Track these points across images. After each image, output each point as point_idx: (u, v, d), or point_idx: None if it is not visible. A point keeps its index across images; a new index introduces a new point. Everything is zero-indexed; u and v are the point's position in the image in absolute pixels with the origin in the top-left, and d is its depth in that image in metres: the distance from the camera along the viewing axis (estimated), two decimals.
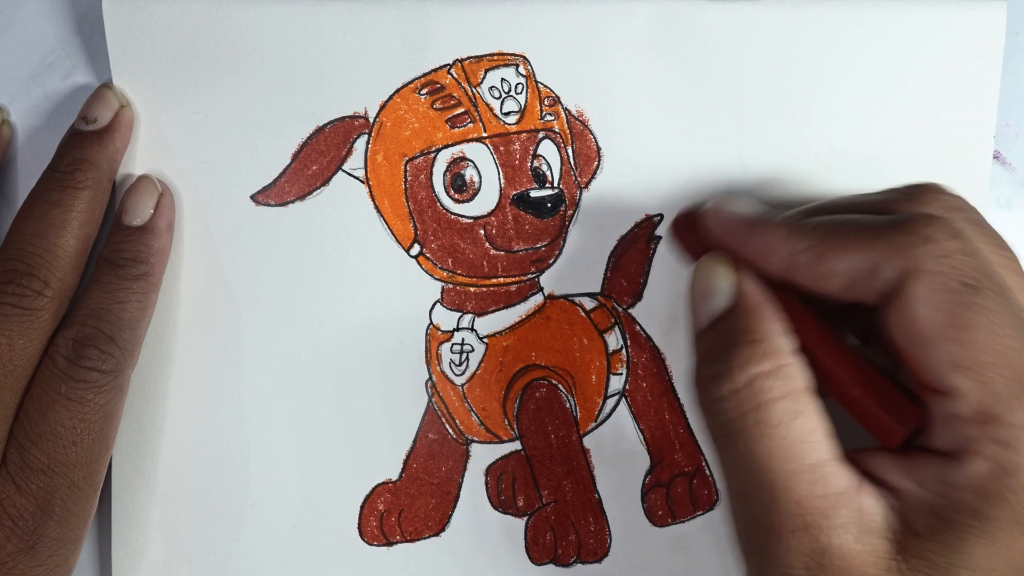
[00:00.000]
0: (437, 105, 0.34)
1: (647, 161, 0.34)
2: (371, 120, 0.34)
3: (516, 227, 0.34)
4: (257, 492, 0.34)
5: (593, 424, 0.35)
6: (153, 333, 0.34)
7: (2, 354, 0.29)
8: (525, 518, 0.35)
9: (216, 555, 0.34)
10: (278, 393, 0.34)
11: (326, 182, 0.34)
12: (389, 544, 0.35)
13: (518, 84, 0.34)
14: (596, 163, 0.34)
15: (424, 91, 0.34)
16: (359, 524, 0.35)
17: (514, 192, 0.34)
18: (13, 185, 0.35)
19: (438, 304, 0.34)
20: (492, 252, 0.34)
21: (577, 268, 0.34)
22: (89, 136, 0.32)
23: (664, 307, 0.35)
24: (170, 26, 0.33)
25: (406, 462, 0.35)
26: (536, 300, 0.35)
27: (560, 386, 0.35)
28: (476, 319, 0.34)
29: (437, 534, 0.35)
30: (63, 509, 0.30)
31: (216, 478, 0.34)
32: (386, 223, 0.34)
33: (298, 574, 0.34)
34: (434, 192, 0.34)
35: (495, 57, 0.34)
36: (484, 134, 0.34)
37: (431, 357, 0.35)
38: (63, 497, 0.30)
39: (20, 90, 0.35)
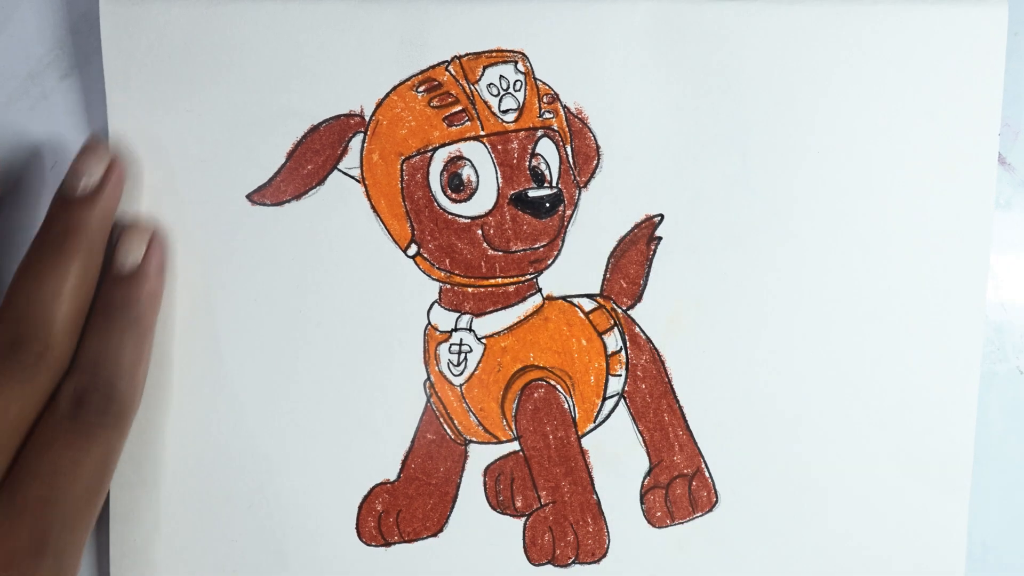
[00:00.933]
0: (434, 103, 0.33)
1: (647, 160, 0.34)
2: (367, 118, 0.33)
3: (514, 227, 0.34)
4: (255, 493, 0.34)
5: (592, 425, 0.35)
6: (148, 337, 0.34)
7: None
8: (523, 519, 0.35)
9: (214, 555, 0.34)
10: (275, 393, 0.34)
11: (322, 181, 0.33)
12: (387, 545, 0.35)
13: (516, 81, 0.33)
14: (595, 162, 0.34)
15: (421, 88, 0.33)
16: (357, 525, 0.34)
17: (512, 192, 0.33)
18: (10, 186, 0.35)
19: (436, 304, 0.34)
20: (490, 252, 0.34)
21: (576, 269, 0.34)
22: (79, 200, 0.32)
23: (664, 309, 0.34)
24: (166, 23, 0.33)
25: (404, 462, 0.34)
26: (535, 301, 0.34)
27: (559, 387, 0.34)
28: (474, 319, 0.34)
29: (435, 535, 0.35)
30: (57, 545, 0.29)
31: (214, 478, 0.34)
32: (383, 223, 0.34)
33: (295, 574, 0.34)
34: (431, 191, 0.33)
35: (494, 54, 0.33)
36: (482, 132, 0.33)
37: (429, 357, 0.34)
38: (58, 532, 0.29)
39: (18, 90, 0.35)
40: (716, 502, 0.35)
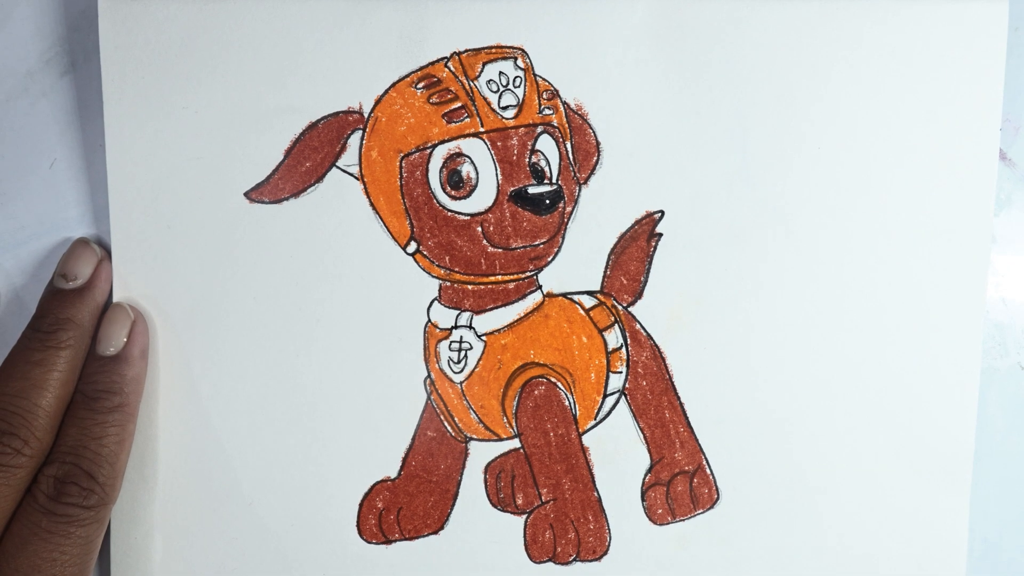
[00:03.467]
0: (433, 99, 0.33)
1: (647, 156, 0.34)
2: (365, 115, 0.33)
3: (514, 224, 0.33)
4: (255, 490, 0.34)
5: (592, 422, 0.35)
6: (151, 332, 0.34)
7: None
8: (524, 516, 0.35)
9: (214, 553, 0.34)
10: (276, 391, 0.34)
11: (320, 179, 0.33)
12: (388, 542, 0.35)
13: (516, 77, 0.33)
14: (595, 158, 0.34)
15: (420, 85, 0.33)
16: (358, 522, 0.34)
17: (512, 188, 0.33)
18: (8, 180, 0.35)
19: (436, 302, 0.34)
20: (490, 250, 0.34)
21: (576, 266, 0.34)
22: (70, 295, 0.32)
23: (665, 305, 0.34)
24: (164, 20, 0.33)
25: (405, 460, 0.34)
26: (535, 298, 0.34)
27: (559, 384, 0.34)
28: (474, 317, 0.34)
29: (436, 532, 0.35)
30: None
31: (214, 476, 0.34)
32: (382, 220, 0.34)
33: (296, 572, 0.34)
34: (430, 189, 0.33)
35: (493, 50, 0.33)
36: (481, 129, 0.33)
37: (429, 355, 0.34)
38: None
39: (18, 87, 0.35)
40: (717, 499, 0.35)
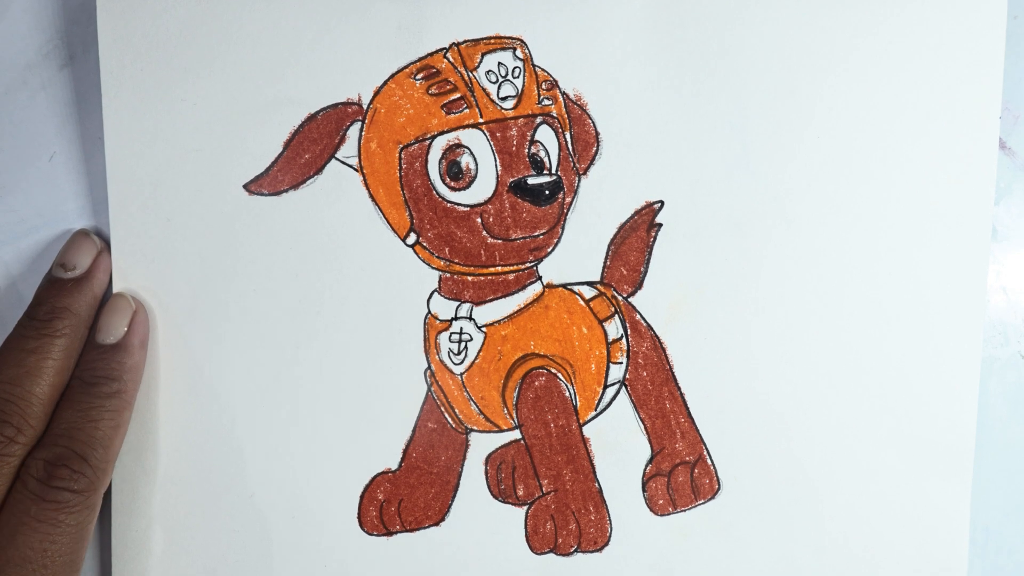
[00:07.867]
0: (432, 90, 0.33)
1: (647, 146, 0.33)
2: (364, 106, 0.33)
3: (513, 215, 0.33)
4: (256, 483, 0.34)
5: (593, 413, 0.35)
6: (150, 324, 0.34)
7: None
8: (525, 507, 0.35)
9: (216, 546, 0.34)
10: (276, 383, 0.34)
11: (319, 171, 0.33)
12: (389, 534, 0.35)
13: (515, 68, 0.33)
14: (595, 148, 0.34)
15: (419, 76, 0.33)
16: (359, 514, 0.34)
17: (511, 179, 0.33)
18: (7, 173, 0.35)
19: (436, 293, 0.34)
20: (489, 241, 0.34)
21: (576, 256, 0.34)
22: (68, 284, 0.32)
23: (665, 295, 0.34)
24: (163, 12, 0.33)
25: (405, 451, 0.34)
26: (535, 289, 0.34)
27: (559, 375, 0.34)
28: (474, 308, 0.34)
29: (437, 524, 0.35)
30: None
31: (215, 469, 0.34)
32: (381, 212, 0.34)
33: (297, 565, 0.34)
34: (429, 180, 0.33)
35: (492, 40, 0.33)
36: (480, 120, 0.33)
37: (429, 346, 0.34)
38: None
39: (17, 80, 0.35)
40: (718, 489, 0.35)
